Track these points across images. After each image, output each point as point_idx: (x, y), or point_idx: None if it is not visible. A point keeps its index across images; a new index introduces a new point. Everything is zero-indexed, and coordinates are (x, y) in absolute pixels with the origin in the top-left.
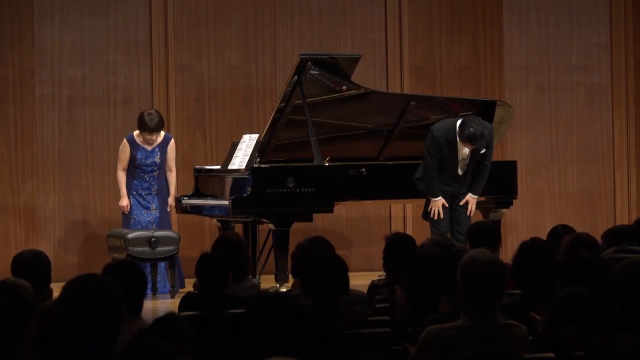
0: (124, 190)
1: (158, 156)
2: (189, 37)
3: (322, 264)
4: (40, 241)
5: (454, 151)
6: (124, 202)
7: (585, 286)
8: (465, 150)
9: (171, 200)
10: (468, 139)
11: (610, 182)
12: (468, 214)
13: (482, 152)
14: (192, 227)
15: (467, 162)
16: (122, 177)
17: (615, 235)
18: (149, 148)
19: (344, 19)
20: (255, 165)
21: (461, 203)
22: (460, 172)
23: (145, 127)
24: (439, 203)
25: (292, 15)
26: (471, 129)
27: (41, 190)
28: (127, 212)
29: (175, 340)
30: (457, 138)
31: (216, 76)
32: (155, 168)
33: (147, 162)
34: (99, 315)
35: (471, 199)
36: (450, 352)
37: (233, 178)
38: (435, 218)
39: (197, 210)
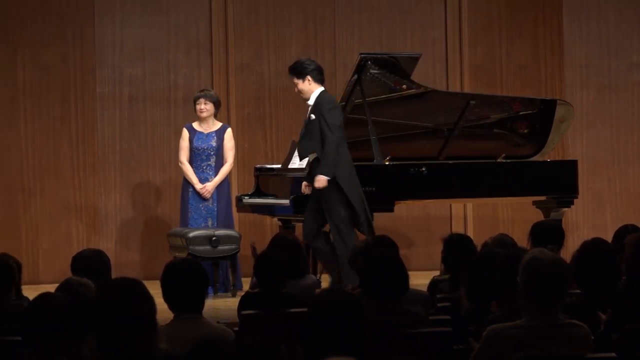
0: (194, 178)
1: (214, 140)
2: (249, 36)
3: (377, 263)
4: (101, 240)
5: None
6: (199, 185)
7: None
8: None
9: (210, 185)
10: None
11: None
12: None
13: (312, 118)
14: (253, 226)
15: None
16: (187, 166)
17: None
18: (205, 132)
19: (404, 16)
20: None
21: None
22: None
23: (195, 98)
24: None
25: (351, 13)
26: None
27: (102, 189)
28: (208, 195)
29: None
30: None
31: (276, 75)
32: (212, 154)
33: (203, 146)
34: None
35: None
36: (512, 351)
37: (294, 177)
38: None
39: (258, 209)
